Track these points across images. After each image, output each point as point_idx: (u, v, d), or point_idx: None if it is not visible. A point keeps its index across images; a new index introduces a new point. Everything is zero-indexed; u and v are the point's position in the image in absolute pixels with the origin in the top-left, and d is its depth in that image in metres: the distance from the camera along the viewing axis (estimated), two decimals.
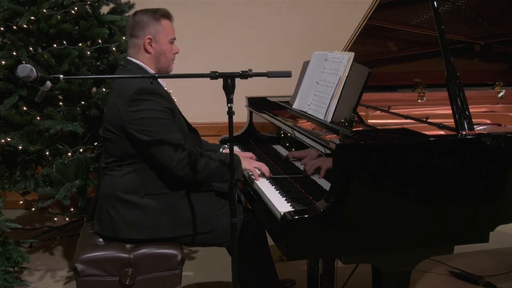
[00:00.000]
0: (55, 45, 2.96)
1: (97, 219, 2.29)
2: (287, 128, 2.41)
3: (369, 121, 2.79)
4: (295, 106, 2.68)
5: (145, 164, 2.18)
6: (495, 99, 3.15)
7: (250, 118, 3.13)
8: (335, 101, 2.29)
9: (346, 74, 2.27)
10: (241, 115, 3.28)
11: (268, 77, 1.85)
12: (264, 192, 2.18)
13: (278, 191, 2.17)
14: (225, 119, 3.59)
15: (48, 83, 1.81)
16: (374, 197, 1.79)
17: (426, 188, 1.83)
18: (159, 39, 2.24)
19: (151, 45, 2.23)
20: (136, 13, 2.29)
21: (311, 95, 2.54)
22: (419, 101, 3.13)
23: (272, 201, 2.05)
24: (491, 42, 3.04)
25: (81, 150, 3.01)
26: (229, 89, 1.81)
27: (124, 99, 2.12)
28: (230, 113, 1.83)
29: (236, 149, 2.99)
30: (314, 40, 4.36)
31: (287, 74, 1.86)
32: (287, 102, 2.84)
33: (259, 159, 2.68)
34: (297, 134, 2.26)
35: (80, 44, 2.99)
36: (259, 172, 2.35)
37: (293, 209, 1.92)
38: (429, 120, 2.34)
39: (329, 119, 2.29)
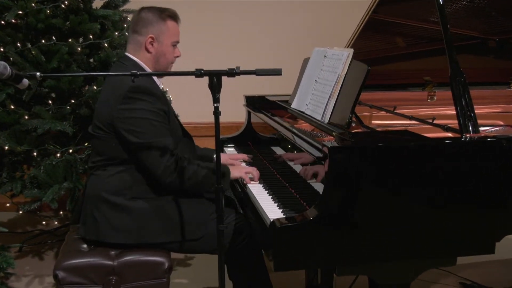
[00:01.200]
0: (43, 41, 2.94)
1: (82, 222, 2.27)
2: (281, 129, 2.37)
3: (373, 121, 2.75)
4: (294, 105, 2.64)
5: (133, 165, 2.17)
6: (511, 98, 3.07)
7: (249, 118, 3.10)
8: (333, 101, 2.25)
9: (345, 72, 2.23)
10: (240, 115, 3.26)
11: (256, 75, 1.81)
12: (256, 197, 2.15)
13: (270, 196, 2.14)
14: (226, 118, 3.59)
15: (25, 81, 1.80)
16: (369, 205, 1.75)
17: (425, 195, 1.79)
18: (162, 39, 2.23)
19: (152, 44, 2.22)
20: (142, 9, 2.27)
21: (309, 94, 2.50)
22: (429, 100, 3.06)
23: (262, 206, 2.03)
24: (507, 38, 2.97)
25: (70, 150, 3.00)
26: (215, 88, 1.79)
27: (116, 96, 2.11)
28: (217, 113, 1.81)
29: (232, 150, 2.97)
30: (319, 36, 4.31)
31: (276, 72, 1.82)
32: (286, 102, 2.81)
33: (255, 161, 2.65)
34: (290, 135, 2.22)
35: (70, 40, 2.98)
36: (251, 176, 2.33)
37: (284, 216, 1.89)
38: (435, 122, 2.29)
39: (326, 119, 2.25)
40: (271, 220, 1.79)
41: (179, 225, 2.20)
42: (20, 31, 3.03)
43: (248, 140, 3.07)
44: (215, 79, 1.77)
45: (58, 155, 2.98)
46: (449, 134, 2.09)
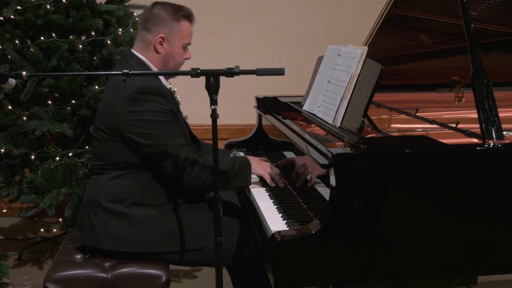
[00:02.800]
0: (42, 38, 2.96)
1: (78, 227, 2.27)
2: (287, 132, 2.34)
3: (392, 125, 2.69)
4: (305, 107, 2.60)
5: (135, 170, 2.15)
6: None
7: (260, 120, 3.07)
8: (345, 103, 2.20)
9: (358, 72, 2.18)
10: (252, 117, 3.23)
11: (257, 75, 1.78)
12: (260, 206, 2.12)
13: (276, 206, 2.11)
14: (237, 120, 3.55)
15: (12, 81, 1.80)
16: (379, 218, 1.70)
17: (441, 206, 1.74)
18: (172, 40, 2.21)
19: (162, 44, 2.20)
20: (155, 4, 2.25)
21: (321, 95, 2.45)
22: (456, 102, 2.98)
23: (265, 217, 2.00)
24: None
25: (70, 154, 3.00)
26: (211, 89, 1.75)
27: (122, 97, 2.09)
28: (214, 116, 1.78)
29: (242, 154, 2.93)
30: (336, 32, 4.23)
31: (278, 72, 1.79)
32: (299, 103, 2.76)
33: None
34: (295, 139, 2.17)
35: (71, 37, 2.99)
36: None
37: (286, 228, 1.85)
38: (459, 126, 2.22)
39: (338, 123, 2.20)
40: (272, 233, 1.76)
41: (179, 234, 2.18)
42: (19, 27, 3.04)
43: (259, 144, 3.03)
44: (211, 79, 1.74)
45: (58, 158, 2.98)
46: (474, 140, 2.03)
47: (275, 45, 4.35)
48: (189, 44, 2.27)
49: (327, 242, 1.66)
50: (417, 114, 2.67)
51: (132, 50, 2.25)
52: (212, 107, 1.77)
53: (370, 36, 2.72)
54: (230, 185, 2.22)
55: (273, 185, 2.28)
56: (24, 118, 2.99)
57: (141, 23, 2.24)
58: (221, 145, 3.07)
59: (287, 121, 2.58)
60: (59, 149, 3.15)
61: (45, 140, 3.15)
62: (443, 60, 3.00)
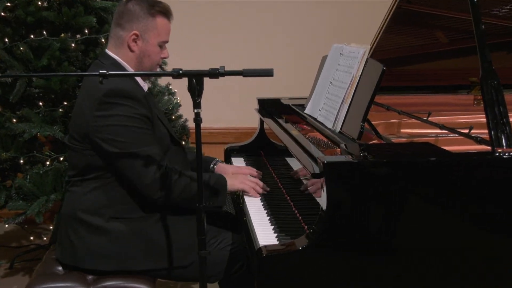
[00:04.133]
0: (32, 36, 2.94)
1: (58, 242, 2.24)
2: (283, 137, 2.28)
3: (402, 130, 2.61)
4: (307, 110, 2.55)
5: (112, 180, 2.11)
6: None
7: (261, 124, 3.02)
8: (346, 106, 2.14)
9: (360, 73, 2.12)
10: (255, 120, 3.18)
11: (243, 76, 1.72)
12: (251, 216, 2.07)
13: (268, 217, 2.06)
14: (246, 123, 3.49)
15: None
16: (373, 235, 1.64)
17: (442, 220, 1.66)
18: (147, 38, 2.16)
19: (136, 42, 2.15)
20: None
21: (323, 98, 2.40)
22: (475, 105, 2.89)
23: (255, 229, 1.96)
24: None
25: (61, 158, 2.98)
26: (194, 91, 1.70)
27: (91, 101, 2.05)
28: (197, 120, 1.73)
29: (240, 160, 2.89)
30: (346, 31, 4.16)
31: (267, 73, 1.73)
32: (302, 106, 2.70)
33: (264, 174, 2.55)
34: (289, 146, 2.12)
35: (62, 35, 2.97)
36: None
37: (276, 242, 1.80)
38: (473, 131, 2.14)
39: (338, 128, 2.15)
40: (258, 246, 1.72)
41: (165, 250, 2.13)
42: (9, 25, 3.03)
43: (261, 149, 2.98)
44: (194, 81, 1.69)
45: (48, 163, 2.97)
46: (486, 147, 1.95)
47: (283, 43, 4.29)
48: (166, 42, 2.21)
49: (313, 260, 1.60)
50: (429, 118, 2.60)
51: (106, 50, 2.20)
52: (195, 110, 1.72)
53: (378, 34, 2.66)
54: (207, 203, 2.15)
55: (258, 195, 2.25)
56: (14, 120, 2.98)
57: (115, 19, 2.18)
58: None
59: (288, 125, 2.53)
60: (53, 153, 3.14)
61: (37, 143, 3.14)
62: (461, 60, 2.92)
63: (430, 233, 1.67)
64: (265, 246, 1.69)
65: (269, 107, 3.00)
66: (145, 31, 2.14)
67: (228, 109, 4.22)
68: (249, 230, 1.99)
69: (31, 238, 3.46)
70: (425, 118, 2.49)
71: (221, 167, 2.54)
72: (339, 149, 2.01)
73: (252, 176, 2.45)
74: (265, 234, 1.89)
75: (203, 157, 2.62)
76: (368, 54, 2.67)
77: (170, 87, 3.59)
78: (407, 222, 1.66)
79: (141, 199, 2.11)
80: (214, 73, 1.71)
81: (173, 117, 3.40)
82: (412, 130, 2.60)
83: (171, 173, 2.08)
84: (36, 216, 2.83)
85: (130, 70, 2.17)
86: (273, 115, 2.81)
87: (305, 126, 2.58)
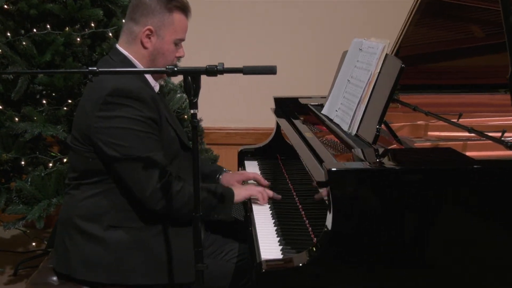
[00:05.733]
0: (35, 30, 2.94)
1: (55, 248, 2.23)
2: (293, 139, 2.23)
3: (429, 133, 2.53)
4: (324, 111, 2.50)
5: (113, 186, 2.08)
6: None
7: (278, 125, 2.96)
8: (362, 107, 2.07)
9: (378, 70, 2.05)
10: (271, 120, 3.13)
11: (244, 73, 1.67)
12: (257, 226, 2.03)
13: (275, 227, 2.02)
14: (266, 124, 3.45)
15: None
16: (379, 251, 1.58)
17: (460, 236, 1.59)
18: (162, 34, 2.11)
19: (149, 38, 2.11)
20: None
21: (340, 97, 2.34)
22: None
23: (259, 240, 1.91)
24: None
25: (65, 160, 2.98)
26: (190, 90, 1.66)
27: (94, 100, 2.02)
28: (193, 122, 1.68)
29: (254, 164, 2.83)
30: (373, 26, 4.06)
31: (269, 71, 1.67)
32: (322, 106, 2.64)
33: (277, 180, 2.49)
34: (298, 149, 2.08)
35: (67, 29, 2.96)
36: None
37: (279, 257, 1.75)
38: (506, 135, 2.05)
39: (353, 131, 2.08)
40: (259, 260, 1.68)
41: (166, 263, 2.08)
42: (12, 18, 3.04)
43: (277, 152, 2.92)
44: (189, 79, 1.64)
45: (51, 164, 2.97)
46: None
47: (306, 39, 4.21)
48: (183, 40, 2.17)
49: (314, 278, 1.54)
50: (459, 120, 2.51)
51: (117, 46, 2.16)
52: (192, 111, 1.68)
53: (404, 27, 2.58)
54: (209, 214, 2.13)
55: (266, 202, 2.23)
56: (17, 119, 2.98)
57: (129, 13, 2.15)
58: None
59: (303, 127, 2.48)
60: (59, 154, 3.14)
61: (41, 143, 3.15)
62: (498, 56, 2.80)
63: (456, 251, 1.60)
64: (266, 261, 1.65)
65: (287, 107, 2.94)
66: (160, 27, 2.09)
67: (247, 109, 4.16)
68: (253, 241, 1.94)
69: (33, 244, 3.47)
70: (454, 120, 2.42)
71: (226, 177, 2.50)
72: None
73: (255, 181, 2.45)
74: (268, 246, 1.84)
75: (211, 166, 2.60)
76: (393, 49, 2.62)
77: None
78: (425, 238, 1.59)
79: (143, 208, 2.07)
80: (212, 71, 1.66)
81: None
82: (440, 133, 2.53)
83: (174, 183, 2.04)
84: (37, 221, 2.83)
85: (141, 68, 2.12)
86: (289, 115, 2.75)
87: (324, 128, 2.51)
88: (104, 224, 2.08)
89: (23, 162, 2.96)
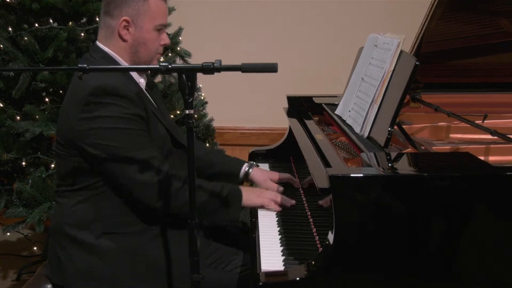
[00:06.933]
0: (37, 25, 2.94)
1: (48, 258, 2.20)
2: (301, 141, 2.19)
3: (451, 135, 2.46)
4: (338, 111, 2.45)
5: (103, 191, 2.05)
6: None
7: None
8: (375, 107, 2.01)
9: (392, 68, 1.98)
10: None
11: (242, 71, 1.62)
12: (260, 234, 1.99)
13: (280, 236, 1.97)
14: (283, 124, 3.41)
15: None
16: (386, 265, 1.50)
17: (474, 252, 1.50)
18: (140, 23, 2.07)
19: (128, 29, 2.07)
20: None
21: (354, 96, 2.28)
22: None
23: (261, 249, 1.88)
24: None
25: None
26: (184, 89, 1.62)
27: (76, 102, 1.99)
28: (188, 123, 1.64)
29: (265, 167, 2.79)
30: (393, 19, 3.97)
31: (269, 68, 1.62)
32: (336, 105, 2.58)
33: (288, 184, 2.45)
34: (304, 152, 2.05)
35: (70, 23, 2.95)
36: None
37: (282, 267, 1.71)
38: None
39: (365, 133, 2.02)
40: (258, 271, 1.66)
41: (164, 270, 2.06)
42: (14, 12, 3.04)
43: (290, 154, 2.87)
44: (184, 77, 1.60)
45: (53, 165, 2.95)
46: None
47: (328, 37, 4.14)
48: (165, 25, 2.12)
49: None
50: (485, 121, 2.44)
51: (97, 42, 2.13)
52: (186, 111, 1.63)
53: (425, 22, 2.50)
54: (214, 217, 2.10)
55: (279, 208, 2.16)
56: (18, 117, 2.98)
57: (103, 6, 2.10)
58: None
59: (314, 127, 2.43)
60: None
61: (44, 143, 3.14)
62: None
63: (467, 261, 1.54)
64: (265, 273, 1.61)
65: (301, 106, 2.89)
66: (136, 16, 2.05)
67: (264, 107, 4.11)
68: (255, 249, 1.90)
69: (34, 248, 3.47)
70: (479, 122, 2.34)
71: (257, 173, 2.44)
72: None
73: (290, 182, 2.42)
74: (270, 256, 1.80)
75: (232, 158, 2.55)
76: (414, 45, 2.55)
77: (144, 82, 3.52)
78: (435, 253, 1.53)
79: (136, 212, 2.05)
80: (208, 68, 1.62)
81: (196, 115, 3.33)
82: (463, 135, 2.46)
83: (174, 180, 2.00)
84: (37, 225, 2.81)
85: (124, 63, 2.09)
86: (302, 115, 2.70)
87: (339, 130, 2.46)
88: (96, 232, 2.05)
89: (24, 163, 2.95)
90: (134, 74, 2.12)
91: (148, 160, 1.98)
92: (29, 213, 2.85)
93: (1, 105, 2.99)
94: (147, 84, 2.19)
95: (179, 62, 3.42)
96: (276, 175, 2.44)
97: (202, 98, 3.47)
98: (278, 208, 2.15)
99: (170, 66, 1.64)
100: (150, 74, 2.39)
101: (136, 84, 2.10)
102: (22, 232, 3.12)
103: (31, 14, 3.04)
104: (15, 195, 2.94)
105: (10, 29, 3.00)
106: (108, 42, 2.09)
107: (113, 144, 1.95)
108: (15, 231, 2.96)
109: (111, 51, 2.08)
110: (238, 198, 2.12)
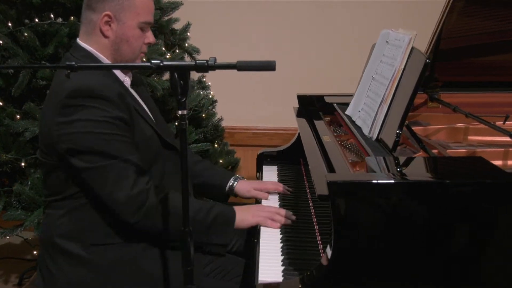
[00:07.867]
0: (37, 20, 2.92)
1: (39, 268, 2.17)
2: (306, 144, 2.14)
3: (469, 137, 2.40)
4: (348, 111, 2.39)
5: (89, 200, 1.99)
6: None
7: None
8: (385, 107, 1.95)
9: (403, 66, 1.92)
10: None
11: (238, 70, 1.57)
12: (260, 241, 1.95)
13: (281, 244, 1.92)
14: (296, 123, 3.37)
15: None
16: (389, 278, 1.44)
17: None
18: (123, 19, 2.01)
19: (110, 25, 2.01)
20: None
21: (364, 95, 2.22)
22: None
23: (260, 258, 1.84)
24: None
25: None
26: (176, 88, 1.57)
27: (54, 105, 1.92)
28: (181, 124, 1.59)
29: (273, 169, 2.74)
30: (408, 14, 3.89)
31: (267, 67, 1.56)
32: (347, 104, 2.53)
33: (295, 188, 2.40)
34: (309, 155, 2.03)
35: (72, 18, 2.92)
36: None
37: (281, 279, 1.66)
38: None
39: (374, 135, 1.97)
40: (255, 283, 1.63)
41: (157, 281, 2.00)
42: (14, 7, 3.02)
43: (300, 156, 2.82)
44: (176, 75, 1.56)
45: None
46: None
47: (345, 35, 4.07)
48: (149, 23, 2.06)
49: None
50: (506, 122, 2.37)
51: (78, 40, 2.07)
52: (179, 112, 1.58)
53: (443, 15, 2.43)
54: (204, 240, 2.02)
55: (278, 226, 2.05)
56: (18, 116, 2.96)
57: (85, 1, 2.04)
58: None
59: (323, 128, 2.38)
60: None
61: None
62: None
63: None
64: (263, 284, 1.59)
65: (312, 106, 2.83)
66: (119, 11, 1.99)
67: (277, 107, 4.05)
68: (255, 257, 1.87)
69: (35, 252, 3.46)
70: (499, 123, 2.28)
71: (243, 185, 2.39)
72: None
73: (278, 193, 2.35)
74: (269, 266, 1.76)
75: (219, 170, 2.49)
76: (431, 40, 2.48)
77: (204, 79, 3.49)
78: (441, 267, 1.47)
79: (124, 223, 1.97)
80: (201, 66, 1.57)
81: (203, 115, 3.29)
82: (482, 138, 2.39)
83: (153, 193, 1.93)
84: (35, 228, 2.79)
85: (106, 61, 2.04)
86: (312, 115, 2.65)
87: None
88: (86, 243, 2.00)
89: (23, 164, 2.93)
90: (118, 72, 2.05)
91: (125, 168, 1.90)
92: (28, 216, 2.83)
93: (0, 104, 2.97)
94: (133, 82, 2.13)
95: (187, 59, 3.38)
96: (262, 184, 2.40)
97: (211, 96, 3.43)
98: (277, 226, 2.05)
99: (161, 64, 1.59)
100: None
101: (121, 83, 2.03)
102: (21, 235, 3.07)
103: (32, 9, 3.02)
104: (14, 197, 2.92)
105: (10, 24, 2.99)
106: (89, 39, 2.03)
107: (88, 150, 1.88)
108: (14, 234, 2.94)
109: (93, 49, 2.02)
110: (231, 220, 2.04)
